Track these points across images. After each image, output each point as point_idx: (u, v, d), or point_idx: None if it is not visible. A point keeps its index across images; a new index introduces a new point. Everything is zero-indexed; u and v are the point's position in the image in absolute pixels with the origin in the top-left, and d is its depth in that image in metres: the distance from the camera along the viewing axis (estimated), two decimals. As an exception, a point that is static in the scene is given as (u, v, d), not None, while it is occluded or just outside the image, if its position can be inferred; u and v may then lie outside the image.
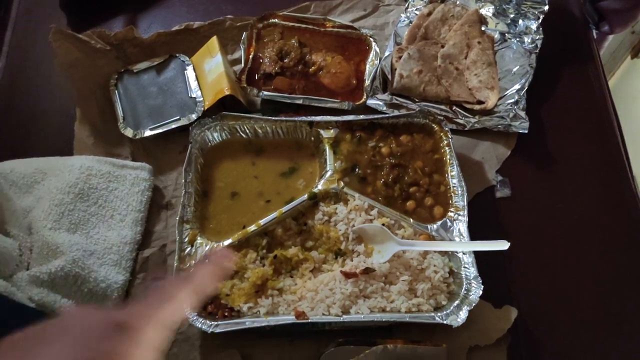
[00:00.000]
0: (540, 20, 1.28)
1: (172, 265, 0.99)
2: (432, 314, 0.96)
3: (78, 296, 0.96)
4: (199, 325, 0.93)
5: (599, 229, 1.11)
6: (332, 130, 1.13)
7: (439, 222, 1.05)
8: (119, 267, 1.02)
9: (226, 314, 0.97)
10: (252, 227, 1.03)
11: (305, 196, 1.06)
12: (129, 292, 1.02)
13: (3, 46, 1.33)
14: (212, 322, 0.94)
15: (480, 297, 0.95)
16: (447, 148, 1.11)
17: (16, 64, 1.30)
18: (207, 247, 1.01)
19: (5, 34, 1.34)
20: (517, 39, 1.27)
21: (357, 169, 1.10)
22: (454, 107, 1.19)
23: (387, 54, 1.25)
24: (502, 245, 0.94)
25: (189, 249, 1.00)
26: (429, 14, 1.29)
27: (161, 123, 1.15)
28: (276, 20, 1.27)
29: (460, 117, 1.18)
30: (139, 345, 0.49)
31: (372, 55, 1.23)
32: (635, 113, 2.16)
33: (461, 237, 1.03)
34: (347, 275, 0.98)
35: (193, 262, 0.99)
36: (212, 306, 0.98)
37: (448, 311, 0.96)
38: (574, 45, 1.33)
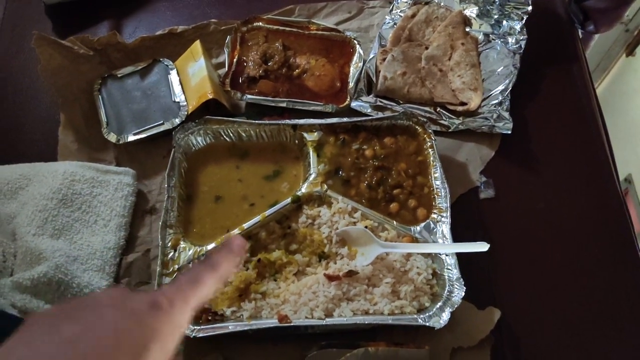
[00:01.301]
0: (524, 21, 1.28)
1: (156, 270, 0.99)
2: (415, 315, 0.96)
3: (61, 302, 0.96)
4: (182, 330, 0.93)
5: (583, 229, 1.11)
6: (315, 133, 1.13)
7: (422, 224, 1.05)
8: (103, 273, 1.02)
9: (209, 318, 0.97)
10: (236, 231, 1.03)
11: (289, 199, 1.06)
12: (112, 297, 1.02)
13: (-11, 52, 1.33)
14: (195, 327, 0.94)
15: (464, 298, 0.95)
16: (430, 150, 1.11)
17: (2, 70, 1.30)
18: (190, 251, 1.01)
19: (-10, 40, 1.34)
20: (501, 40, 1.27)
21: (340, 172, 1.10)
22: (438, 109, 1.19)
23: (371, 56, 1.25)
24: (482, 247, 0.95)
25: (172, 253, 1.01)
26: (413, 15, 1.29)
27: (145, 128, 1.15)
28: (260, 23, 1.27)
29: (444, 118, 1.18)
30: (169, 323, 0.52)
31: (356, 57, 1.23)
32: (630, 111, 2.16)
33: (444, 238, 1.03)
34: (331, 278, 0.98)
35: (176, 266, 0.99)
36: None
37: (431, 313, 0.96)
38: (559, 45, 1.33)
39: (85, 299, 0.53)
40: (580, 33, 1.38)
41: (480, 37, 1.28)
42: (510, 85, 1.20)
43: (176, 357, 0.54)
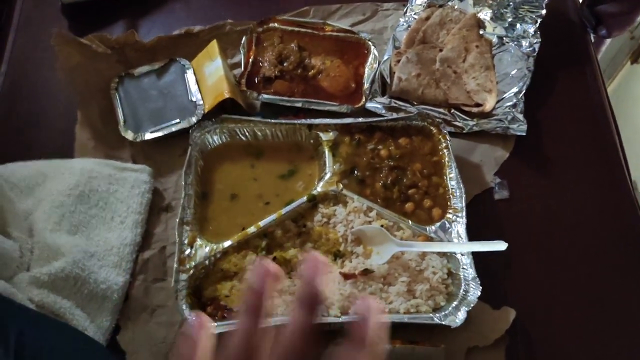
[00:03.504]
0: (537, 24, 1.28)
1: (172, 267, 1.00)
2: (431, 314, 0.96)
3: (78, 297, 0.96)
4: (199, 326, 0.93)
5: (597, 231, 1.11)
6: (331, 133, 1.13)
7: (438, 224, 1.05)
8: (119, 269, 1.02)
9: (225, 314, 0.97)
10: (252, 229, 1.03)
11: (305, 198, 1.06)
12: (128, 293, 1.02)
13: (5, 52, 1.33)
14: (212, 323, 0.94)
15: (479, 298, 0.96)
16: (445, 150, 1.12)
17: (18, 68, 1.31)
18: (207, 248, 1.01)
19: (7, 39, 1.35)
20: (515, 43, 1.27)
21: (355, 171, 1.11)
22: (452, 110, 1.20)
23: (385, 57, 1.26)
24: (500, 245, 0.95)
25: (188, 250, 1.01)
26: (427, 18, 1.30)
27: (161, 126, 1.15)
28: (275, 24, 1.28)
29: (458, 120, 1.19)
30: None
31: (370, 58, 1.24)
32: (635, 118, 2.16)
33: (460, 238, 1.03)
34: (346, 276, 0.98)
35: (193, 263, 0.99)
36: (212, 307, 0.98)
37: (446, 312, 0.96)
38: (572, 48, 1.33)
39: None
40: (592, 37, 1.39)
41: (494, 39, 1.28)
42: (524, 87, 1.20)
43: None
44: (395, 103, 1.20)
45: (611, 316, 1.03)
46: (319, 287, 0.48)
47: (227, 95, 1.13)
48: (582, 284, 1.06)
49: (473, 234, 1.03)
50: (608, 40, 1.56)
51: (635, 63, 2.20)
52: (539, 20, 1.29)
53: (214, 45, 1.22)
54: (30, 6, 1.41)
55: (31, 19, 1.39)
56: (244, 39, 1.24)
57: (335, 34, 1.28)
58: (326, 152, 1.11)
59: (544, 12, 1.29)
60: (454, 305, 0.97)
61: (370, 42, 1.26)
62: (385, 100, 1.21)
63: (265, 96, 1.18)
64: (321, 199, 1.08)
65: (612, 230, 1.11)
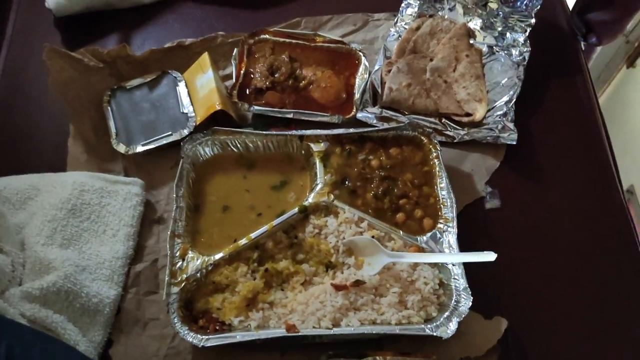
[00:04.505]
0: (527, 33, 1.29)
1: (164, 279, 1.00)
2: (422, 325, 0.96)
3: (70, 311, 0.97)
4: (190, 340, 0.93)
5: (589, 239, 1.11)
6: (322, 144, 1.14)
7: (429, 234, 1.05)
8: (111, 282, 1.02)
9: (217, 327, 0.97)
10: (243, 241, 1.03)
11: (296, 209, 1.07)
12: (120, 306, 1.02)
13: (-2, 64, 1.35)
14: (203, 336, 0.94)
15: (470, 308, 0.96)
16: (436, 160, 1.12)
17: (11, 81, 1.32)
18: (199, 261, 1.01)
19: (0, 51, 1.36)
20: (505, 52, 1.28)
21: (347, 182, 1.11)
22: (443, 120, 1.21)
23: (376, 67, 1.26)
24: (489, 256, 0.95)
25: (180, 263, 1.01)
26: (418, 28, 1.30)
27: (153, 138, 1.16)
28: (267, 36, 1.29)
29: (449, 129, 1.19)
30: None
31: (361, 69, 1.25)
32: (631, 122, 2.17)
33: (451, 248, 1.03)
34: (338, 287, 0.98)
35: (184, 275, 0.99)
36: (204, 320, 0.98)
37: (438, 323, 0.96)
38: (562, 57, 1.34)
39: None
40: (582, 45, 1.39)
41: (485, 49, 1.29)
42: (515, 96, 1.21)
43: None
44: (386, 113, 1.21)
45: (605, 324, 1.03)
46: None
47: (218, 107, 1.14)
48: (574, 293, 1.06)
49: (464, 244, 1.03)
50: (599, 48, 1.57)
51: (630, 67, 2.21)
52: (528, 29, 1.29)
53: (205, 57, 1.23)
54: (23, 18, 1.41)
55: (24, 32, 1.39)
56: (235, 50, 1.25)
57: (326, 44, 1.29)
58: (317, 163, 1.12)
59: (533, 21, 1.30)
60: (445, 315, 0.97)
61: (361, 53, 1.26)
62: (376, 110, 1.21)
63: (257, 107, 1.19)
64: (312, 210, 1.08)
65: (605, 238, 1.12)
